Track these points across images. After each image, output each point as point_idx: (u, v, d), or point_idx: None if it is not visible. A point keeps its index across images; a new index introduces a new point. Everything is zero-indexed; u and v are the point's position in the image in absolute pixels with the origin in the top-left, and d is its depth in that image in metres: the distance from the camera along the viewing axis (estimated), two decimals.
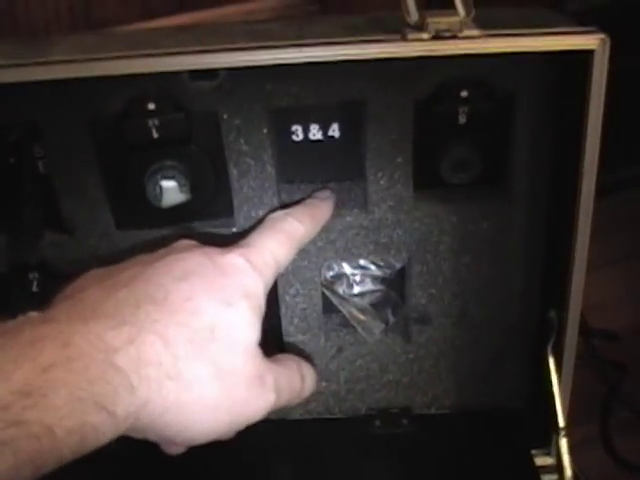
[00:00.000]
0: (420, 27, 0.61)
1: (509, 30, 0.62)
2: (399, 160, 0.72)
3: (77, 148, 0.70)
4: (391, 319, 0.83)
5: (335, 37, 0.63)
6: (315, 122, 0.74)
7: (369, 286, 0.83)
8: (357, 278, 0.82)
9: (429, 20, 0.61)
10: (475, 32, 0.61)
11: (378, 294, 0.83)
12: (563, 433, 0.75)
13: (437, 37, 0.61)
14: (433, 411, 0.85)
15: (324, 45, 0.62)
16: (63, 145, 0.70)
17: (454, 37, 0.61)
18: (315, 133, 0.75)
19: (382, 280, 0.83)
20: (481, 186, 0.74)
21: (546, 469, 0.80)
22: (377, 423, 0.83)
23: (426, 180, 0.73)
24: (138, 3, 1.14)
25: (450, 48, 0.61)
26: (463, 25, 0.61)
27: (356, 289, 0.83)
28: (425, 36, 0.61)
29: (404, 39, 0.62)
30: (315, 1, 1.18)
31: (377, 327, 0.82)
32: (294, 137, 0.75)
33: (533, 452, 0.81)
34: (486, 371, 0.82)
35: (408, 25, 0.62)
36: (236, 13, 1.15)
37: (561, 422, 0.75)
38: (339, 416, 0.85)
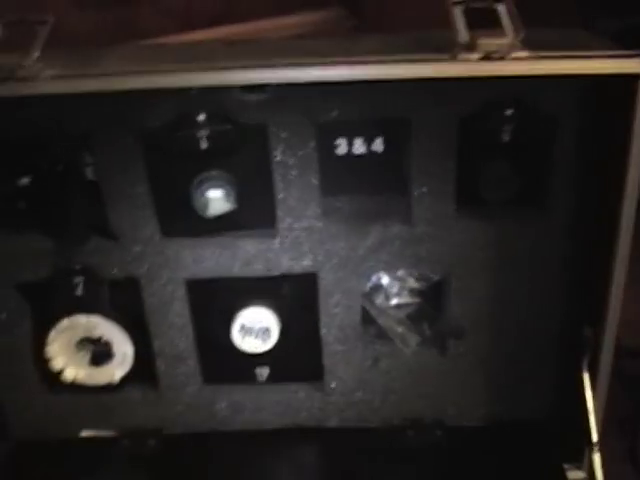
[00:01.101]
0: (470, 47, 0.62)
1: (555, 52, 0.62)
2: (442, 176, 0.73)
3: (126, 156, 0.72)
4: (427, 332, 0.84)
5: (383, 55, 0.64)
6: (359, 136, 0.76)
7: (406, 298, 0.84)
8: (395, 290, 0.84)
9: (479, 41, 0.62)
10: (523, 54, 0.62)
11: (415, 307, 0.84)
12: (596, 448, 0.76)
13: (486, 58, 0.62)
14: (466, 423, 0.85)
15: (374, 63, 0.63)
16: (113, 153, 0.72)
17: (503, 58, 0.62)
18: (359, 147, 0.76)
19: (419, 293, 0.84)
20: (521, 204, 0.75)
21: None
22: (410, 433, 0.84)
23: (467, 197, 0.74)
24: (179, 15, 1.16)
25: (499, 69, 0.62)
26: (512, 47, 0.62)
27: (393, 301, 0.84)
28: (475, 57, 0.62)
29: (454, 59, 0.62)
30: (353, 16, 1.19)
31: (413, 339, 0.84)
32: (338, 151, 0.76)
33: (565, 466, 0.81)
34: (519, 385, 0.83)
35: (457, 45, 0.63)
36: (275, 27, 1.17)
37: (594, 437, 0.76)
38: (373, 425, 0.86)
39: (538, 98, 0.70)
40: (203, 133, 0.71)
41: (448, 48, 0.63)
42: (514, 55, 0.62)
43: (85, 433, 0.87)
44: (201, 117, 0.71)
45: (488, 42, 0.62)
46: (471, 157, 0.73)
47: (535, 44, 0.63)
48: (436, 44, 0.65)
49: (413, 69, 0.63)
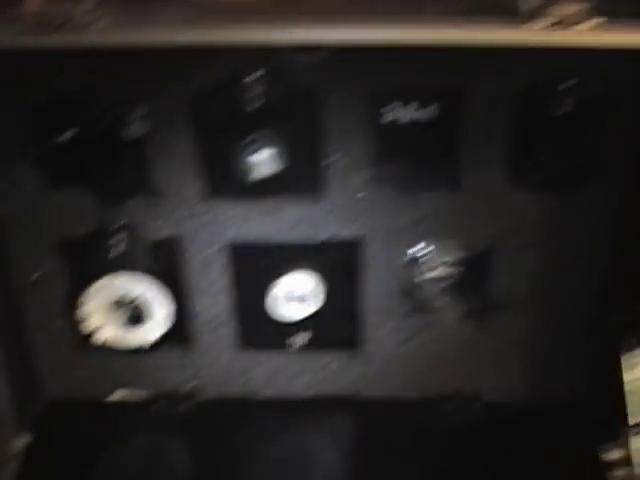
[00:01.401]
0: (540, 14, 0.60)
1: (629, 22, 0.61)
2: (495, 147, 0.71)
3: (174, 113, 0.71)
4: (467, 305, 0.83)
5: (447, 20, 0.62)
6: (412, 103, 0.74)
7: (447, 271, 0.82)
8: (436, 262, 0.82)
9: (549, 8, 0.60)
10: (594, 23, 0.60)
11: (456, 279, 0.83)
12: (634, 430, 0.75)
13: (556, 26, 0.60)
14: (502, 399, 0.84)
15: (435, 28, 0.61)
16: (161, 109, 0.70)
17: (572, 27, 0.60)
18: (411, 114, 0.75)
19: (461, 265, 0.82)
20: (575, 179, 0.73)
21: (613, 465, 0.80)
22: (446, 407, 0.84)
23: (520, 169, 0.73)
24: None
25: (567, 38, 0.61)
26: (582, 15, 0.60)
27: (434, 273, 0.82)
28: (544, 24, 0.60)
29: (523, 26, 0.61)
30: None
31: (453, 312, 0.82)
32: (389, 117, 0.75)
33: (599, 448, 0.81)
34: (558, 364, 0.82)
35: (526, 11, 0.61)
36: None
37: (631, 420, 0.75)
38: (409, 398, 0.85)
39: (599, 70, 0.69)
40: (253, 93, 0.70)
41: (516, 14, 0.61)
42: (584, 24, 0.61)
43: (117, 395, 0.86)
44: (252, 77, 0.69)
45: (559, 9, 0.60)
46: (526, 128, 0.72)
47: (606, 13, 0.61)
48: (503, 9, 0.63)
49: (477, 35, 0.61)
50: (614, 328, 0.77)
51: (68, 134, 0.73)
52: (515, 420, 0.83)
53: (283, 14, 0.65)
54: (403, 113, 0.75)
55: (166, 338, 0.82)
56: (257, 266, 0.80)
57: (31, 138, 0.72)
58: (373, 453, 0.80)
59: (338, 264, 0.80)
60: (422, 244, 0.81)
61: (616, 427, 0.79)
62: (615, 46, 0.60)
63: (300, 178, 0.75)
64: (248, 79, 0.69)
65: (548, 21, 0.61)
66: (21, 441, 0.83)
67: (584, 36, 0.61)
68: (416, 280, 0.82)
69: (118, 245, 0.77)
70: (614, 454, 0.81)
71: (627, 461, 0.77)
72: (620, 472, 0.79)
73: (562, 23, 0.61)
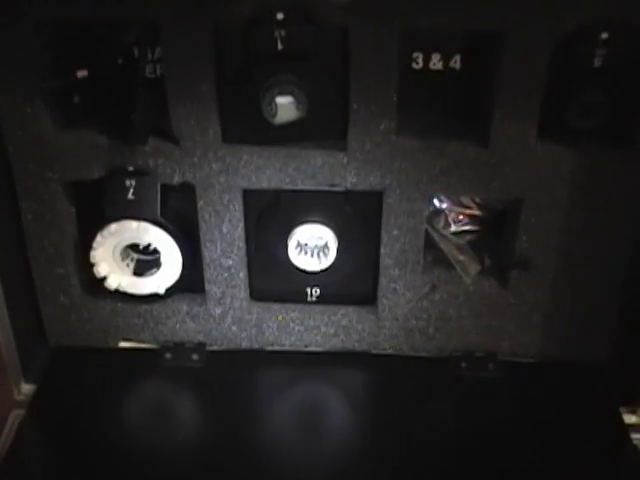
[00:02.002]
0: None
1: None
2: (527, 98, 0.69)
3: (196, 52, 0.68)
4: (487, 261, 0.81)
5: None
6: (442, 51, 0.72)
7: (470, 225, 0.81)
8: (458, 216, 0.80)
9: None
10: None
11: (478, 234, 0.81)
12: None
13: None
14: (521, 359, 0.83)
15: None
16: (181, 47, 0.67)
17: None
18: (440, 62, 0.72)
19: (482, 220, 0.81)
20: (606, 135, 0.71)
21: (633, 427, 0.78)
22: (463, 365, 0.82)
23: (551, 122, 0.70)
24: None
25: None
26: None
27: (454, 227, 0.80)
28: None
29: None
30: None
31: (474, 268, 0.80)
32: (419, 64, 0.73)
33: (622, 409, 0.79)
34: (579, 324, 0.81)
35: None
36: None
37: None
38: (425, 354, 0.83)
39: (637, 23, 0.66)
40: (280, 33, 0.67)
41: None
42: None
43: (125, 343, 0.84)
44: (280, 16, 0.66)
45: None
46: (560, 81, 0.69)
47: None
48: None
49: None
50: None
51: (82, 72, 0.70)
52: (533, 380, 0.82)
53: None
54: (432, 60, 0.72)
55: (178, 287, 0.80)
56: (273, 215, 0.78)
57: (47, 75, 0.69)
58: (386, 409, 0.79)
59: (358, 215, 0.78)
60: (446, 197, 0.79)
61: (638, 390, 0.78)
62: None
63: (322, 125, 0.73)
64: (275, 17, 0.66)
65: None
66: (27, 388, 0.81)
67: None
68: (436, 234, 0.80)
69: (130, 189, 0.74)
70: (631, 417, 0.80)
71: None
72: (638, 435, 0.78)
73: None
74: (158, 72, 0.72)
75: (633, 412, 0.79)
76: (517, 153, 0.71)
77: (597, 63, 0.69)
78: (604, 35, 0.68)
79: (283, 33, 0.67)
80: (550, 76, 0.68)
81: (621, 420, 0.78)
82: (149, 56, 0.73)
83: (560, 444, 0.75)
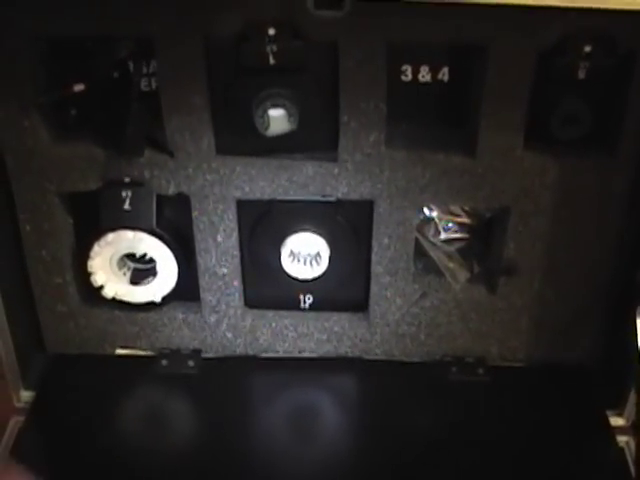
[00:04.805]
0: None
1: None
2: (512, 109, 0.70)
3: (189, 66, 0.69)
4: (476, 268, 0.83)
5: None
6: (429, 63, 0.74)
7: (458, 233, 0.82)
8: (447, 224, 0.82)
9: None
10: None
11: (466, 242, 0.83)
12: None
13: None
14: (510, 363, 0.84)
15: None
16: (175, 62, 0.69)
17: None
18: (427, 74, 0.74)
19: (471, 228, 0.82)
20: (590, 144, 0.73)
21: (619, 430, 0.80)
22: (453, 370, 0.83)
23: (536, 132, 0.72)
24: None
25: (591, 1, 0.60)
26: None
27: (444, 235, 0.82)
28: None
29: None
30: None
31: (462, 275, 0.82)
32: (406, 77, 0.74)
33: (608, 412, 0.81)
34: (566, 328, 0.82)
35: None
36: None
37: None
38: (416, 359, 0.85)
39: (619, 36, 0.68)
40: (272, 48, 0.69)
41: None
42: None
43: (122, 351, 0.86)
44: (271, 31, 0.68)
45: None
46: (544, 91, 0.71)
47: None
48: None
49: None
50: (627, 292, 0.77)
51: (79, 86, 0.72)
52: (521, 384, 0.83)
53: None
54: (420, 73, 0.74)
55: (173, 295, 0.82)
56: (267, 225, 0.79)
57: (43, 88, 0.71)
58: (377, 414, 0.80)
59: (349, 224, 0.79)
60: (435, 206, 0.80)
61: (624, 393, 0.80)
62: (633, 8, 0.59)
63: (313, 136, 0.75)
64: (267, 32, 0.68)
65: None
66: (26, 395, 0.82)
67: None
68: (426, 242, 0.82)
69: (126, 200, 0.76)
70: (617, 419, 0.81)
71: (637, 427, 0.77)
72: (624, 438, 0.79)
73: None
74: (153, 85, 0.74)
75: (619, 414, 0.81)
76: (503, 163, 0.73)
77: (580, 75, 0.71)
78: (587, 48, 0.69)
79: (274, 48, 0.69)
80: (535, 87, 0.70)
81: (607, 422, 0.80)
82: (144, 70, 0.74)
83: (547, 446, 0.77)
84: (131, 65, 0.73)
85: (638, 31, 0.67)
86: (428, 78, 0.75)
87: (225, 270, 0.81)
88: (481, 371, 0.84)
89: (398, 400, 0.82)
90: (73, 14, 0.66)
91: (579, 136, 0.73)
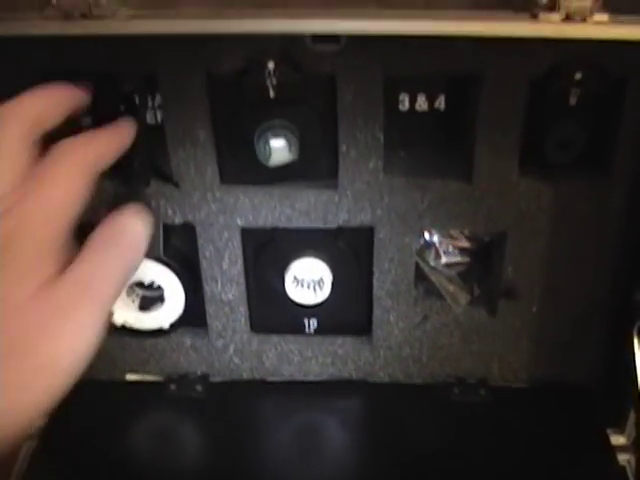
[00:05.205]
0: (551, 8, 0.61)
1: (636, 17, 0.62)
2: (507, 135, 0.72)
3: (192, 101, 0.72)
4: (477, 291, 0.85)
5: (462, 11, 0.63)
6: (425, 92, 0.76)
7: (458, 257, 0.84)
8: (447, 248, 0.84)
9: (561, 2, 0.61)
10: (604, 17, 0.61)
11: (466, 265, 0.85)
12: None
13: (567, 19, 0.61)
14: (511, 384, 0.86)
15: (451, 19, 0.62)
16: (179, 97, 0.72)
17: (584, 20, 0.61)
18: (423, 103, 0.76)
19: (471, 252, 0.84)
20: (584, 167, 0.75)
21: (620, 448, 0.81)
22: (456, 391, 0.85)
23: (531, 157, 0.74)
24: None
25: (578, 31, 0.62)
26: (593, 9, 0.61)
27: (445, 259, 0.84)
28: (556, 18, 0.61)
29: (534, 19, 0.62)
30: None
31: (463, 298, 0.84)
32: (402, 106, 0.76)
33: (608, 431, 0.82)
34: (567, 348, 0.84)
35: (538, 4, 0.62)
36: None
37: None
38: (419, 381, 0.87)
39: (610, 63, 0.70)
40: (271, 81, 0.71)
41: (528, 7, 0.63)
42: (595, 18, 0.62)
43: (131, 376, 0.88)
44: (270, 65, 0.70)
45: (570, 3, 0.61)
46: (538, 118, 0.73)
47: (617, 8, 0.62)
48: (516, 3, 0.64)
49: (492, 27, 0.62)
50: (626, 312, 0.78)
51: (86, 120, 0.74)
52: (523, 404, 0.85)
53: (297, 3, 0.66)
54: (417, 102, 0.76)
55: (181, 322, 0.84)
56: (270, 252, 0.82)
57: None
58: (382, 435, 0.82)
59: (350, 250, 0.81)
60: (433, 230, 0.82)
61: (625, 411, 0.81)
62: (626, 38, 0.61)
63: (314, 165, 0.77)
64: (266, 67, 0.70)
65: (561, 14, 0.61)
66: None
67: (595, 29, 0.61)
68: (426, 266, 0.84)
69: None
70: (619, 438, 0.82)
71: (637, 445, 0.79)
72: (625, 456, 0.80)
73: (575, 15, 0.62)
74: (158, 119, 0.76)
75: (620, 433, 0.82)
76: (499, 188, 0.75)
77: (572, 101, 0.73)
78: (578, 75, 0.71)
79: (274, 81, 0.71)
80: (528, 113, 0.72)
81: (608, 441, 0.81)
82: (149, 103, 0.76)
83: (549, 465, 0.78)
84: (137, 98, 0.75)
85: (626, 59, 0.69)
86: (425, 107, 0.77)
87: (231, 296, 0.83)
88: (483, 392, 0.85)
89: (402, 421, 0.83)
90: (78, 52, 0.69)
91: (573, 159, 0.75)
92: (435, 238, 0.84)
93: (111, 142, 0.63)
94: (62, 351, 0.52)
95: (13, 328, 0.51)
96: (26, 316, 0.51)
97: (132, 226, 0.60)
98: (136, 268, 0.59)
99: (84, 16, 0.61)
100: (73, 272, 0.54)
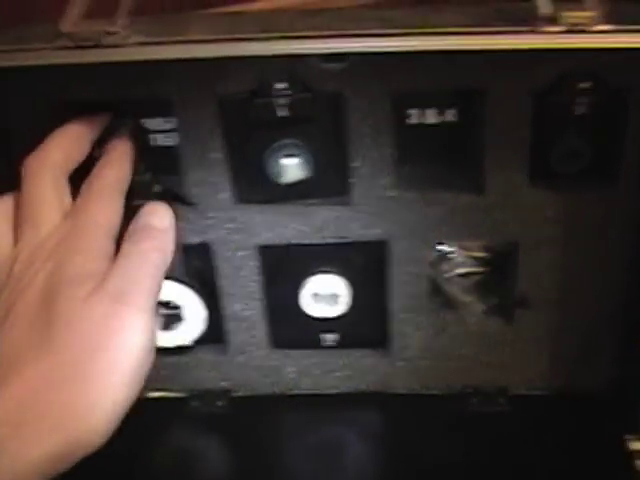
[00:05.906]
0: (552, 20, 0.62)
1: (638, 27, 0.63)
2: (515, 147, 0.73)
3: (206, 123, 0.73)
4: (492, 301, 0.85)
5: (463, 26, 0.64)
6: (433, 107, 0.77)
7: (472, 268, 0.85)
8: (461, 259, 0.85)
9: (562, 13, 0.62)
10: (606, 27, 0.62)
11: (481, 276, 0.85)
12: None
13: (569, 31, 0.62)
14: (529, 392, 0.87)
15: (453, 34, 0.63)
16: (193, 120, 0.73)
17: (585, 31, 0.62)
18: (432, 117, 0.77)
19: (485, 262, 0.85)
20: (593, 177, 0.76)
21: (637, 454, 0.81)
22: (474, 401, 0.86)
23: (540, 168, 0.75)
24: None
25: (581, 42, 0.62)
26: (595, 20, 0.62)
27: (460, 270, 0.85)
28: (557, 29, 0.62)
29: (535, 31, 0.63)
30: None
31: (479, 308, 0.85)
32: (412, 120, 0.77)
33: (626, 437, 0.82)
34: (583, 355, 0.84)
35: (539, 17, 0.63)
36: None
37: None
38: (438, 392, 0.87)
39: (614, 72, 0.71)
40: (281, 101, 0.72)
41: (529, 20, 0.64)
42: (597, 28, 0.63)
43: (154, 393, 0.90)
44: (280, 85, 0.72)
45: (571, 14, 0.62)
46: (544, 129, 0.74)
47: (618, 18, 0.63)
48: (517, 16, 0.65)
49: (494, 41, 0.63)
50: None
51: (99, 151, 0.76)
52: (541, 412, 0.85)
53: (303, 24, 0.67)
54: (426, 116, 0.77)
55: (201, 339, 0.85)
56: (287, 268, 0.83)
57: None
58: (401, 446, 0.83)
59: (366, 264, 0.83)
60: (447, 242, 0.83)
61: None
62: (626, 47, 0.62)
63: (327, 182, 0.78)
64: (276, 87, 0.72)
65: (563, 26, 0.62)
66: None
67: (597, 39, 0.62)
68: (441, 278, 0.85)
69: None
70: (638, 445, 0.83)
71: None
72: None
73: (576, 28, 0.62)
74: (172, 141, 0.78)
75: (638, 439, 0.83)
76: (509, 199, 0.76)
77: (577, 111, 0.74)
78: (581, 86, 0.72)
79: (284, 101, 0.73)
80: (535, 124, 0.73)
81: (626, 447, 0.81)
82: (163, 126, 0.78)
83: (568, 473, 0.79)
84: (150, 122, 0.77)
85: (629, 68, 0.70)
86: (434, 120, 0.78)
87: (249, 313, 0.84)
88: (501, 401, 0.86)
89: (421, 432, 0.84)
90: (88, 79, 0.71)
91: (580, 169, 0.75)
92: (449, 249, 0.84)
93: (127, 163, 0.69)
94: (122, 355, 0.57)
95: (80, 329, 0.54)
96: (91, 315, 0.55)
97: (158, 220, 0.66)
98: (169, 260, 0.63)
99: (96, 46, 0.63)
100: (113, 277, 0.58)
